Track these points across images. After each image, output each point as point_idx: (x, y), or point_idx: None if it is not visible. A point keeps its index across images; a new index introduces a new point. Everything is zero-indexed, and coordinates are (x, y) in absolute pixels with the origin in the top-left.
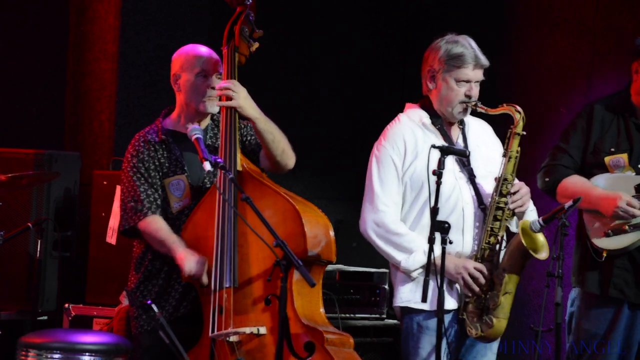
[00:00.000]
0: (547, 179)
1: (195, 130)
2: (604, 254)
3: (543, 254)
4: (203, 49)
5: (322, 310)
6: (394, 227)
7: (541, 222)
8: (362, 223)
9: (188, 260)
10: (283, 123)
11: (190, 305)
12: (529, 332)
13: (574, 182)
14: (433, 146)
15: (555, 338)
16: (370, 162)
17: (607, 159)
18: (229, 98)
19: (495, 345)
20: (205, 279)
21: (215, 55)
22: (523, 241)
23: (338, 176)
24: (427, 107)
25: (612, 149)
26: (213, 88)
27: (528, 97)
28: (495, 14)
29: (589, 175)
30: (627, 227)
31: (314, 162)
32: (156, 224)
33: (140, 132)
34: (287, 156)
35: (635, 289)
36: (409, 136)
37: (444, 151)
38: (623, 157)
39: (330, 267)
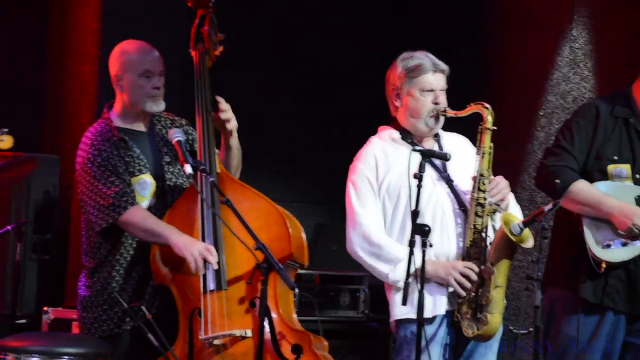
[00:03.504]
0: (558, 181)
1: (176, 133)
2: (603, 265)
3: (529, 242)
4: (145, 48)
5: (294, 314)
6: (375, 239)
7: (521, 225)
8: (348, 243)
9: (191, 247)
10: (265, 127)
11: (160, 307)
12: (506, 333)
13: (586, 189)
14: (414, 149)
15: (535, 340)
16: (347, 186)
17: (610, 168)
18: (228, 120)
19: (495, 346)
20: (215, 265)
21: (156, 53)
22: (507, 232)
23: (318, 180)
24: (397, 127)
25: (615, 157)
26: (157, 88)
27: (511, 98)
28: (474, 18)
29: (588, 180)
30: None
31: (294, 166)
32: (141, 213)
33: (90, 130)
34: (238, 170)
35: (626, 300)
36: (379, 152)
37: (425, 154)
38: (626, 168)
39: (310, 271)
